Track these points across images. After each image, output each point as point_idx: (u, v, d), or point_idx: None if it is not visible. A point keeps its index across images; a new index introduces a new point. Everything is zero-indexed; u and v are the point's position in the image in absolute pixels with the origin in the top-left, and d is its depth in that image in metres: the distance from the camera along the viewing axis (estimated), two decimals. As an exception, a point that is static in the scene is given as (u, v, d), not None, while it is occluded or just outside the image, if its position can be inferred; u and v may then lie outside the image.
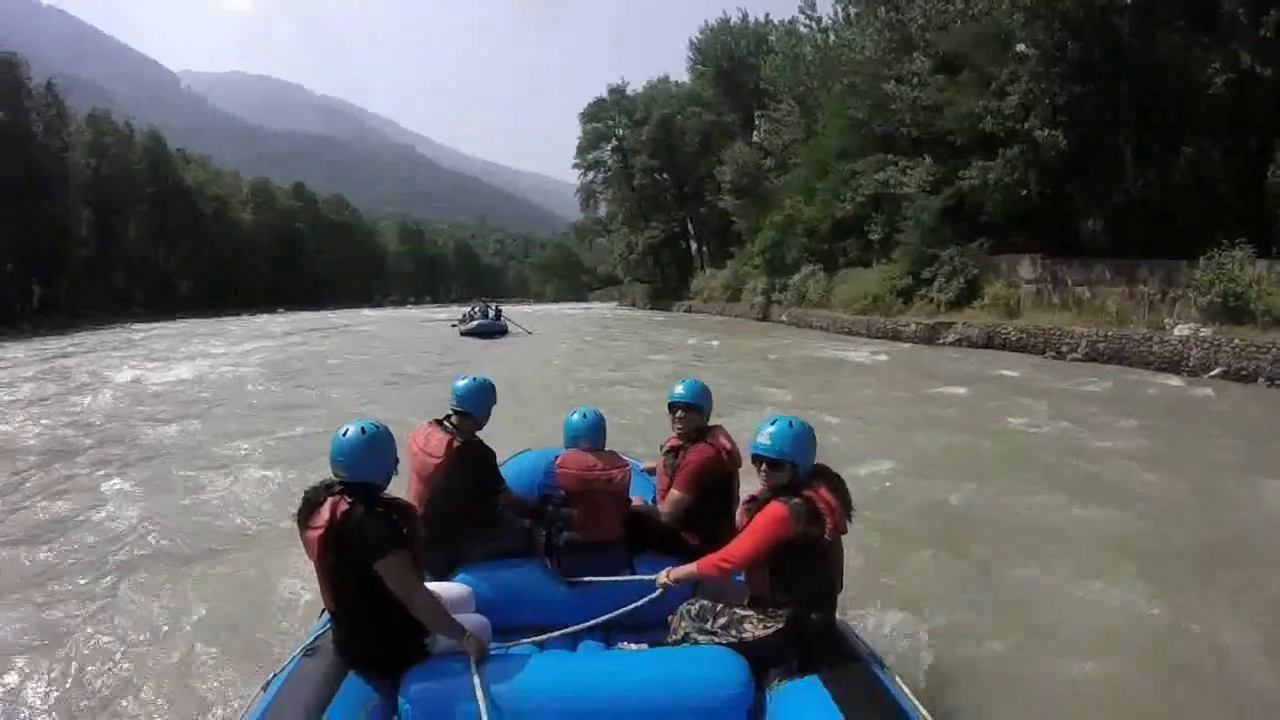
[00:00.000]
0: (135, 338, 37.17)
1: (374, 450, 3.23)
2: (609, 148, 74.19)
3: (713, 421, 4.51)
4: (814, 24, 48.98)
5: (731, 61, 63.65)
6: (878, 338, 28.27)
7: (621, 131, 72.07)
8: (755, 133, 52.43)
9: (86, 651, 4.76)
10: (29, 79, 57.78)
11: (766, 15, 66.11)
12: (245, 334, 37.38)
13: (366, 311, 72.71)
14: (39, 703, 4.27)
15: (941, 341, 25.75)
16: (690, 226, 72.26)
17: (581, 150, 74.84)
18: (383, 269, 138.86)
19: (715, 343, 28.02)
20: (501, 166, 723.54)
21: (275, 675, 3.21)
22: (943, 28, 33.39)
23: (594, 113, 73.56)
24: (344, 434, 3.23)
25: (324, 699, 2.96)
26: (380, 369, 21.48)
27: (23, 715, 4.17)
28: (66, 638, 4.95)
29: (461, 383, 4.39)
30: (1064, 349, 21.76)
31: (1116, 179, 26.75)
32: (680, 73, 74.63)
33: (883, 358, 21.20)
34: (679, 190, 69.22)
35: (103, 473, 9.30)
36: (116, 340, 35.81)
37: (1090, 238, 28.51)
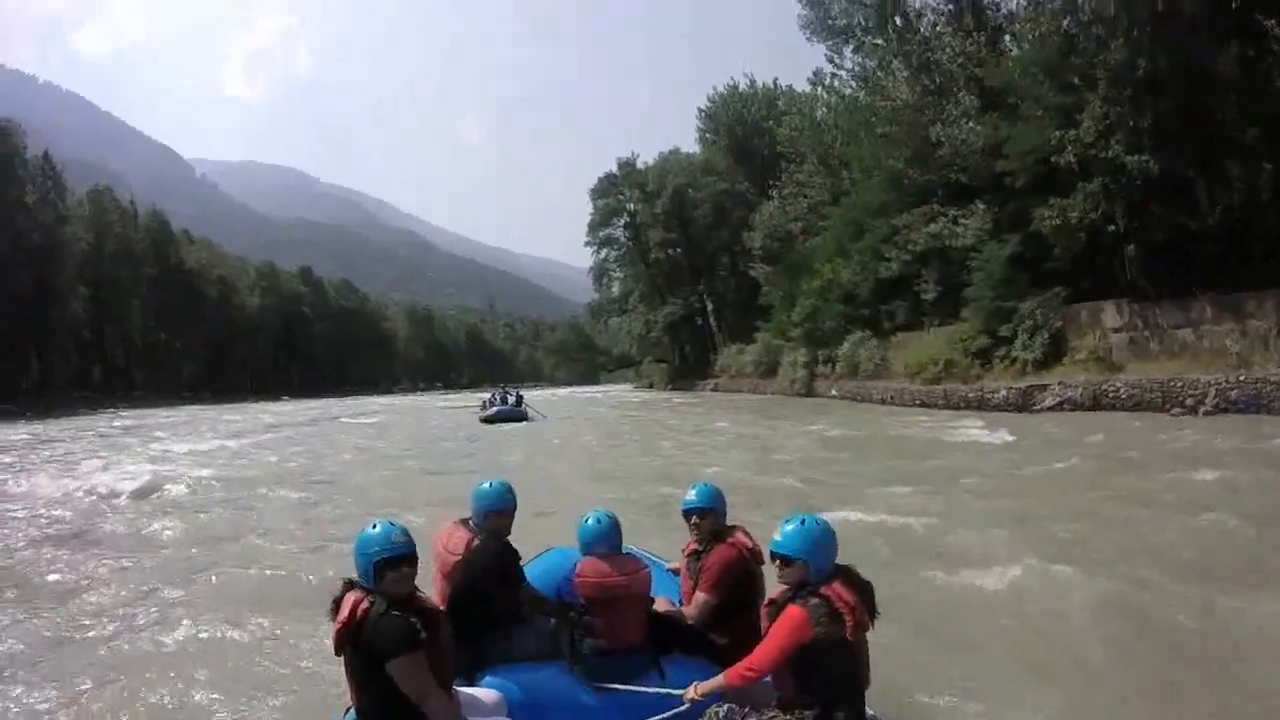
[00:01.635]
0: (124, 426, 34.41)
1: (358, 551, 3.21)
2: (621, 223, 71.72)
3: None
4: (830, 82, 46.30)
5: (744, 127, 61.68)
6: (959, 408, 24.43)
7: (633, 206, 69.62)
8: (774, 197, 49.05)
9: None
10: (24, 147, 56.57)
11: (775, 80, 65.08)
12: (246, 426, 33.98)
13: (377, 400, 69.14)
14: None
15: (1039, 407, 21.98)
16: (707, 302, 68.99)
17: (593, 227, 72.28)
18: (392, 354, 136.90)
19: (767, 430, 23.51)
20: (509, 252, 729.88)
21: None
22: (980, 64, 30.68)
23: (604, 188, 71.20)
24: (360, 537, 3.26)
25: None
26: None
27: None
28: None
29: (484, 487, 4.35)
30: (1189, 401, 18.65)
31: (1195, 206, 24.04)
32: (689, 144, 72.12)
33: (999, 434, 16.92)
34: (695, 264, 66.29)
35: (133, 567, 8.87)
36: (106, 428, 34.25)
37: (1170, 273, 24.98)
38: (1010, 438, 16.27)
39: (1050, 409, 21.59)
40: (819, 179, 43.24)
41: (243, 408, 53.81)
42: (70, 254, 61.03)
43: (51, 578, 8.46)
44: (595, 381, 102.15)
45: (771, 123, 58.83)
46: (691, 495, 4.42)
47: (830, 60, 42.03)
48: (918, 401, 26.94)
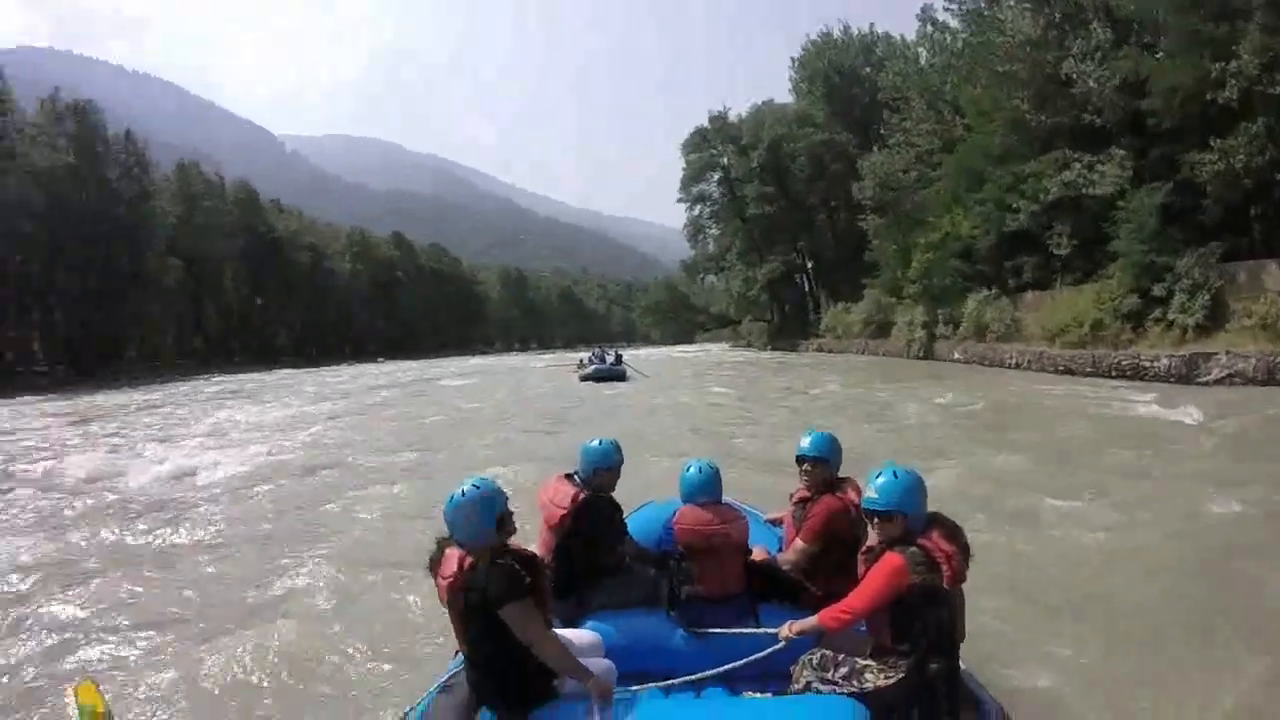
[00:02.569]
0: (228, 390, 34.88)
1: (473, 513, 3.23)
2: (715, 178, 69.51)
3: None
4: (940, 20, 43.30)
5: (841, 75, 59.33)
6: (1110, 376, 22.15)
7: (727, 160, 67.30)
8: (876, 148, 46.30)
9: (228, 676, 5.04)
10: (104, 127, 57.78)
11: (871, 26, 62.69)
12: (346, 388, 33.67)
13: (470, 360, 69.13)
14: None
15: (1205, 379, 19.73)
16: (806, 259, 66.62)
17: (685, 183, 70.22)
18: (485, 316, 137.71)
19: (887, 394, 21.33)
20: (600, 214, 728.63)
21: (412, 709, 3.47)
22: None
23: (696, 143, 68.91)
24: (453, 496, 3.26)
25: None
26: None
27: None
28: (207, 663, 5.18)
29: (590, 444, 4.42)
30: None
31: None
32: (782, 96, 69.29)
33: (1183, 411, 14.52)
34: (794, 219, 63.56)
35: (248, 517, 9.68)
36: (203, 393, 34.95)
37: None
38: (1198, 416, 13.95)
39: (1217, 381, 19.38)
40: (927, 126, 40.52)
41: (337, 370, 54.42)
42: (159, 228, 62.48)
43: (158, 542, 8.61)
44: (690, 341, 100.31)
45: (870, 70, 57.11)
46: (805, 442, 4.34)
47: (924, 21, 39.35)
48: (1060, 368, 24.65)
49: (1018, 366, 26.94)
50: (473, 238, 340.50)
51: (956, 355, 31.90)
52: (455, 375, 41.47)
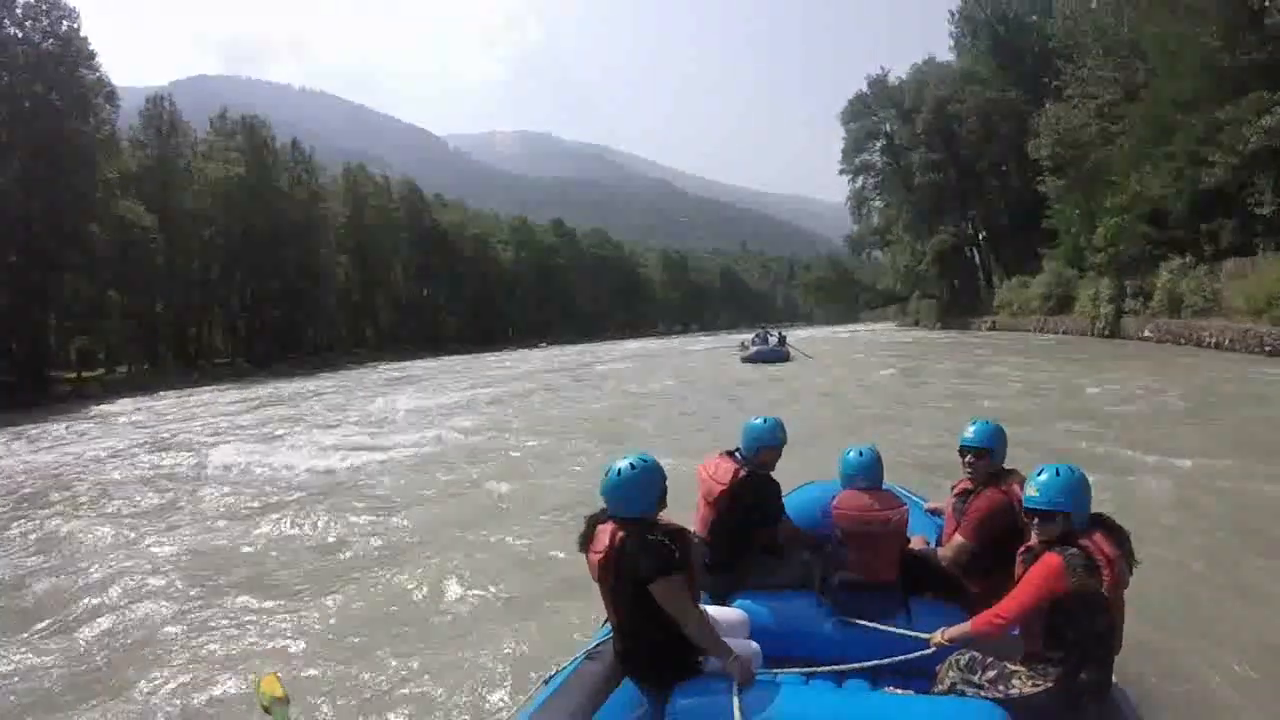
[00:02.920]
0: (392, 377, 36.72)
1: (637, 486, 3.29)
2: (878, 147, 66.52)
3: None
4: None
5: (1007, 25, 55.10)
6: None
7: (890, 127, 64.14)
8: (1050, 102, 41.97)
9: (396, 632, 5.66)
10: (273, 139, 61.80)
11: None
12: (507, 373, 34.87)
13: (629, 344, 68.67)
14: (343, 679, 4.94)
15: None
16: (978, 229, 62.29)
17: (847, 154, 67.47)
18: (647, 299, 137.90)
19: (1084, 379, 18.51)
20: (759, 192, 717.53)
21: (557, 672, 3.52)
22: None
23: (856, 110, 66.10)
24: (616, 473, 3.30)
25: (598, 701, 3.22)
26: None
27: (326, 689, 4.81)
28: (363, 620, 5.89)
29: (754, 422, 4.40)
30: None
31: None
32: (943, 54, 65.27)
33: None
34: (964, 186, 59.34)
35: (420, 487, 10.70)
36: (374, 379, 37.13)
37: None
38: None
39: None
40: (1106, 73, 36.31)
41: (500, 356, 55.68)
42: (328, 227, 66.35)
43: (328, 521, 8.94)
44: (854, 320, 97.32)
45: (1037, 16, 52.56)
46: (969, 432, 4.22)
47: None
48: (1268, 348, 21.39)
49: (1218, 346, 23.66)
50: (632, 221, 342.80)
51: (1147, 332, 28.51)
52: (615, 359, 41.46)
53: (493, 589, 6.36)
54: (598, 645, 3.61)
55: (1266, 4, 24.51)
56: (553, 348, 68.08)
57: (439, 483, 10.91)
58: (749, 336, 38.75)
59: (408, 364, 49.55)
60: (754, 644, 3.53)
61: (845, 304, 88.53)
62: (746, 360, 31.89)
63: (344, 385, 33.28)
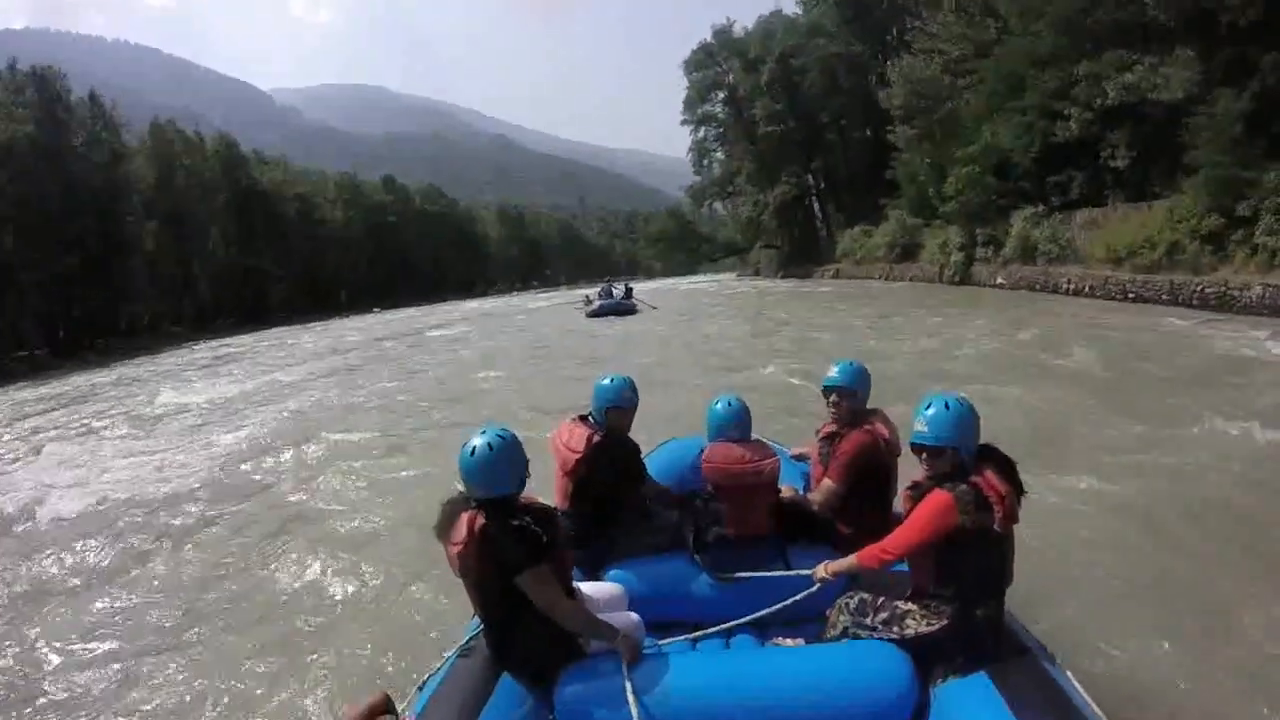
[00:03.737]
0: (203, 360, 31.26)
1: (500, 464, 3.06)
2: (720, 98, 65.53)
3: None
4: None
5: (858, -22, 54.72)
6: (1191, 306, 19.31)
7: (734, 78, 63.13)
8: (898, 56, 42.51)
9: (244, 646, 5.12)
10: (67, 92, 53.95)
11: None
12: (309, 351, 30.68)
13: (468, 304, 65.95)
14: (197, 693, 4.63)
15: (1302, 311, 16.88)
16: (818, 180, 62.74)
17: (689, 104, 66.31)
18: (485, 257, 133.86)
19: (953, 329, 18.19)
20: (599, 147, 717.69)
21: (431, 675, 3.26)
22: None
23: (700, 60, 64.88)
24: (471, 452, 3.06)
25: (479, 700, 2.96)
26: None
27: (184, 705, 4.53)
28: (217, 635, 5.35)
29: (604, 382, 4.24)
30: None
31: None
32: (790, 5, 65.11)
33: None
34: (807, 138, 59.63)
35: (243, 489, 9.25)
36: (187, 360, 32.39)
37: None
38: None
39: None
40: (958, 29, 36.71)
41: (327, 325, 51.80)
42: (132, 191, 58.95)
43: (145, 538, 7.82)
44: (695, 272, 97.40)
45: None
46: (834, 372, 4.14)
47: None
48: (1128, 295, 21.66)
49: (1076, 292, 23.91)
50: (470, 177, 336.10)
51: (1000, 280, 28.78)
52: (451, 322, 38.57)
53: (353, 587, 5.91)
54: (470, 640, 3.34)
55: None
56: (387, 312, 63.93)
57: (263, 485, 9.55)
58: (594, 290, 38.38)
59: (230, 340, 44.58)
60: (634, 616, 3.40)
61: (686, 256, 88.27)
62: (592, 315, 31.44)
63: (152, 373, 28.52)
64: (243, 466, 10.51)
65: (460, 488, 3.15)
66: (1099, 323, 17.45)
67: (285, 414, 14.46)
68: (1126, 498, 6.33)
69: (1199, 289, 19.54)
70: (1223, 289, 18.92)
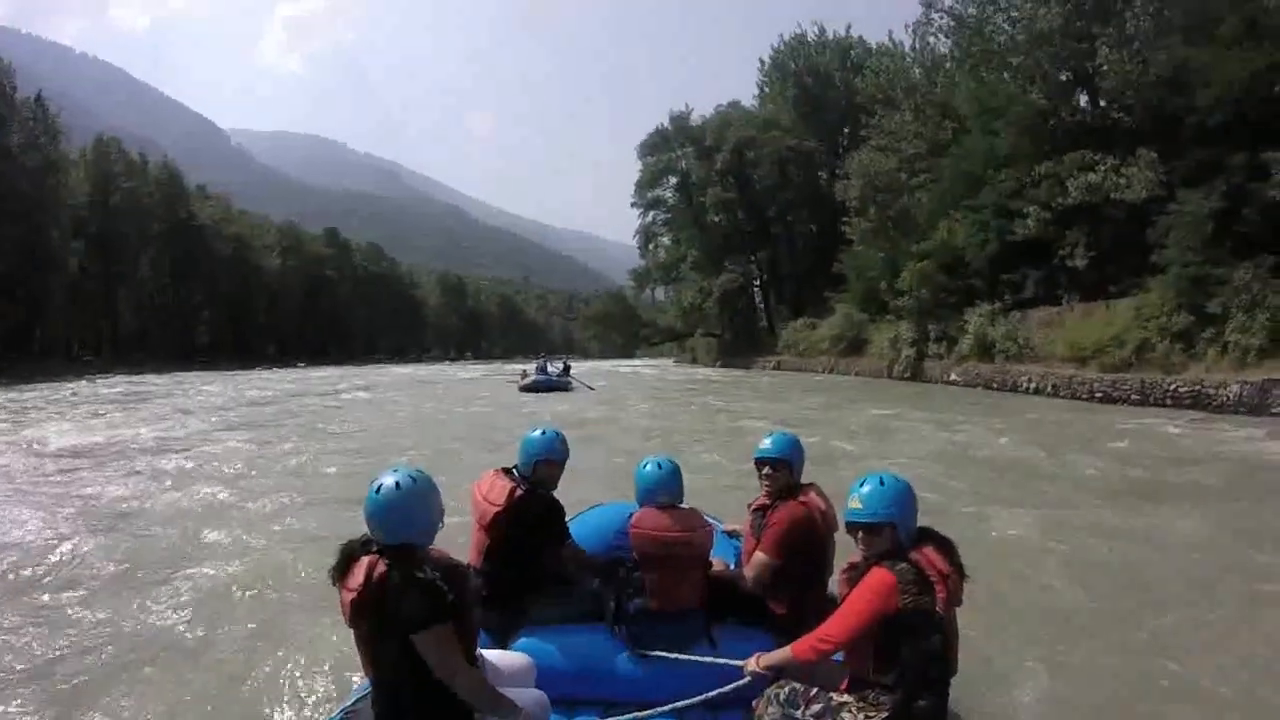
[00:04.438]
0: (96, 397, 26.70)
1: (408, 508, 2.73)
2: (672, 182, 65.30)
3: None
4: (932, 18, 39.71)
5: (815, 77, 56.41)
6: (1164, 405, 18.51)
7: (686, 164, 63.07)
8: (855, 151, 42.85)
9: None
10: (12, 89, 51.55)
11: (848, 27, 61.07)
12: (223, 400, 27.93)
13: (396, 369, 63.33)
14: None
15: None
16: (762, 271, 62.75)
17: (640, 186, 65.94)
18: (421, 323, 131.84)
19: (931, 430, 15.83)
20: (547, 226, 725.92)
21: None
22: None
23: (655, 144, 64.75)
24: (377, 490, 2.73)
25: None
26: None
27: None
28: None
29: (533, 434, 4.00)
30: None
31: None
32: (748, 98, 66.13)
33: None
34: (754, 228, 59.81)
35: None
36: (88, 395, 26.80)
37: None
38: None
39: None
40: (914, 128, 36.97)
41: (248, 376, 48.42)
42: (62, 204, 55.90)
43: None
44: (631, 356, 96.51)
45: (844, 73, 54.95)
46: (766, 443, 3.96)
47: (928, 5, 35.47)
48: (1096, 394, 20.78)
49: (1038, 391, 22.99)
50: (416, 242, 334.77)
51: (954, 376, 27.89)
52: (368, 387, 35.90)
53: (223, 654, 5.01)
54: (355, 703, 3.08)
55: (1106, 66, 24.55)
56: (314, 370, 60.64)
57: (132, 534, 8.07)
58: (530, 365, 37.19)
59: (146, 378, 41.27)
60: (539, 693, 3.11)
61: (625, 339, 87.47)
62: (526, 389, 30.64)
63: (50, 401, 25.99)
64: (121, 514, 8.99)
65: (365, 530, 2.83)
66: (1092, 424, 16.07)
67: (180, 463, 12.64)
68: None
69: (1172, 388, 18.84)
70: (1197, 388, 18.24)
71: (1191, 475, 10.17)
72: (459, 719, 2.78)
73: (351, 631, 2.77)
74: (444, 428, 17.98)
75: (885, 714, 2.75)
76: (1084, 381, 21.42)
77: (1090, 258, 25.13)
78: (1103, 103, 27.19)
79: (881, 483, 2.89)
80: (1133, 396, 19.64)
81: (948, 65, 36.58)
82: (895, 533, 2.83)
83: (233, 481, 10.72)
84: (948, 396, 23.97)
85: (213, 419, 20.07)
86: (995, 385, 25.27)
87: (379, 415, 21.06)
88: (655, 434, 15.97)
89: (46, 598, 6.16)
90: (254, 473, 11.58)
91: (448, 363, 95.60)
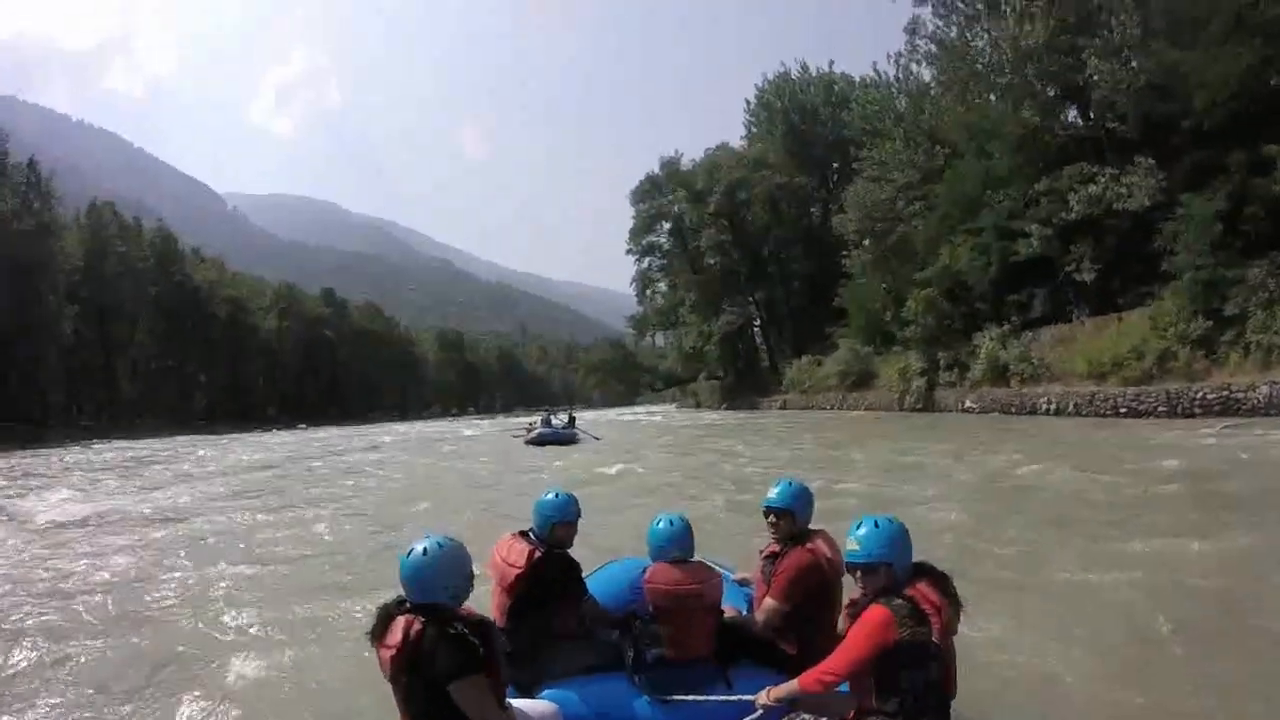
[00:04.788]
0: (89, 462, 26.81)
1: (442, 571, 3.00)
2: (665, 228, 65.41)
3: None
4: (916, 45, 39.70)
5: (802, 114, 56.47)
6: (1193, 415, 17.91)
7: (679, 208, 62.99)
8: (848, 184, 42.62)
9: None
10: (4, 154, 51.86)
11: (830, 64, 61.09)
12: (256, 459, 26.92)
13: (397, 427, 62.20)
14: None
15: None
16: (761, 310, 62.17)
17: (635, 234, 65.85)
18: (420, 379, 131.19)
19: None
20: (541, 277, 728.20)
21: None
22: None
23: (646, 190, 64.74)
24: (410, 554, 3.01)
25: None
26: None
27: None
28: None
29: (547, 497, 4.17)
30: None
31: None
32: (735, 139, 66.45)
33: None
34: (750, 268, 59.39)
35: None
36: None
37: None
38: None
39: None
40: (905, 157, 36.75)
41: (243, 439, 47.13)
42: (56, 270, 55.84)
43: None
44: (633, 403, 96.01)
45: (830, 109, 54.98)
46: (773, 493, 4.09)
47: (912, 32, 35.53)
48: (1121, 410, 20.14)
49: (1059, 412, 22.32)
50: (412, 299, 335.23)
51: (969, 404, 27.15)
52: (380, 447, 34.74)
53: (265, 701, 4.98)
54: None
55: (1097, 76, 24.34)
56: (314, 430, 59.81)
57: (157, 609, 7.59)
58: (535, 419, 36.71)
59: (147, 442, 40.28)
60: None
61: (626, 387, 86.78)
62: (532, 443, 30.17)
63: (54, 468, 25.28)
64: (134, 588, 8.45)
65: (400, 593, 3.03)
66: (1127, 441, 15.20)
67: (190, 535, 11.93)
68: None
69: (1199, 395, 18.22)
70: (1225, 393, 17.64)
71: (1254, 484, 9.54)
72: None
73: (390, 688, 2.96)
74: (455, 489, 17.21)
75: None
76: (1107, 397, 20.77)
77: (1097, 270, 24.71)
78: (1093, 115, 26.90)
79: (876, 525, 3.06)
80: (1159, 409, 19.01)
81: (932, 92, 36.58)
82: (891, 571, 2.99)
83: (243, 557, 9.94)
84: (965, 425, 23.24)
85: (216, 487, 19.34)
86: (1013, 409, 24.61)
87: (387, 479, 20.25)
88: (665, 488, 15.13)
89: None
90: (264, 546, 10.74)
91: (449, 419, 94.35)
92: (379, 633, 2.95)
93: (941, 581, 3.01)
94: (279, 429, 62.64)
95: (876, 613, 2.91)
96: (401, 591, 3.03)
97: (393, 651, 2.87)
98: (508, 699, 3.19)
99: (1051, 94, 27.66)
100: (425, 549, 2.99)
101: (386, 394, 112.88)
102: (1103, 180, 24.17)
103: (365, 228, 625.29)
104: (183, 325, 71.52)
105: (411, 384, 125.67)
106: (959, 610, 2.98)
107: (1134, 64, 24.12)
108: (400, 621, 2.90)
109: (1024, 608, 5.74)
